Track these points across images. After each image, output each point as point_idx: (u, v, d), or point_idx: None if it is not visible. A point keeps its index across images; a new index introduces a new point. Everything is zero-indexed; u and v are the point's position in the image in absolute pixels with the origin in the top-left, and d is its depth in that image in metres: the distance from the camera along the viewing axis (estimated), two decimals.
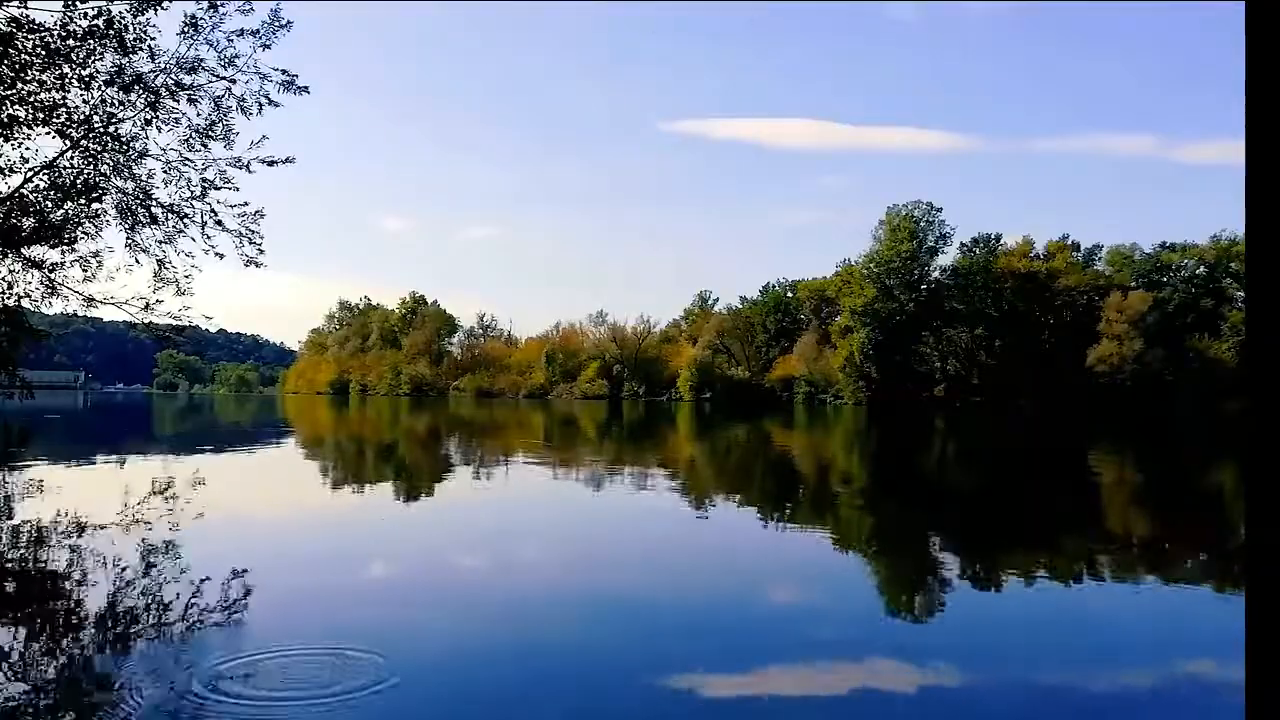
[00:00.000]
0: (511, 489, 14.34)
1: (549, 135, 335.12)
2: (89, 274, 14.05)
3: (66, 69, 12.32)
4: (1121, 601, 6.56)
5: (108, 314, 14.88)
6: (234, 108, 13.50)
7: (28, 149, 12.79)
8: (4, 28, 11.74)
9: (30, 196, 13.20)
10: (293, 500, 12.65)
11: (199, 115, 13.49)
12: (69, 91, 12.56)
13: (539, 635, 5.43)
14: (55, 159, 13.15)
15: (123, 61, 12.67)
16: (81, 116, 12.91)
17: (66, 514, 9.76)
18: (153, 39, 12.74)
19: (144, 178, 13.75)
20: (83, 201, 13.46)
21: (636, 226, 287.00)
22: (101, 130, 13.18)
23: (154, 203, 13.86)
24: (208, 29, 13.06)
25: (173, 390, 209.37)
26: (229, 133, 13.64)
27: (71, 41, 12.14)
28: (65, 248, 13.73)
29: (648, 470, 17.77)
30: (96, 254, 14.06)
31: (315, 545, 8.76)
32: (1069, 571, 7.72)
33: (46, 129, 12.69)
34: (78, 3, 11.97)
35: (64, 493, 12.33)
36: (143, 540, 8.20)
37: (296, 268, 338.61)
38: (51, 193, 13.26)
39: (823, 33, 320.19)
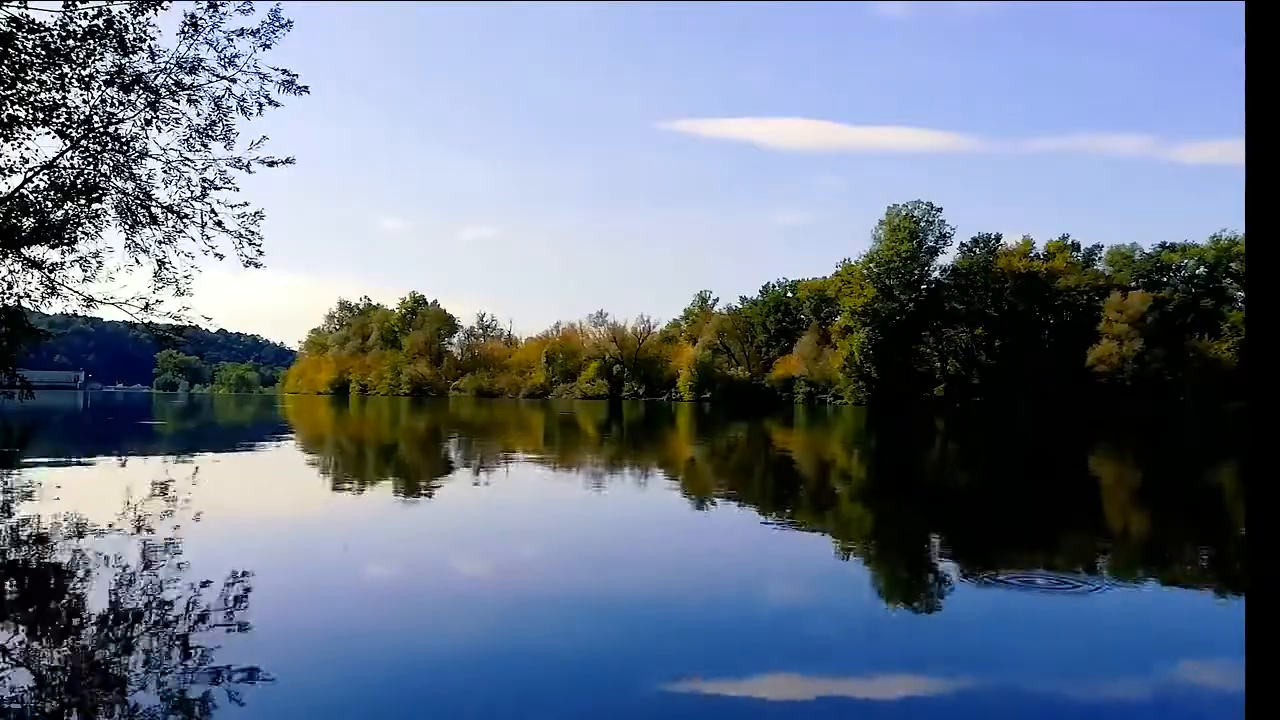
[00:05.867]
0: (511, 490, 14.33)
1: (549, 135, 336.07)
2: (89, 274, 14.09)
3: (66, 69, 12.33)
4: (1120, 602, 6.55)
5: (108, 314, 14.87)
6: (234, 108, 13.54)
7: (28, 149, 12.83)
8: (4, 28, 11.75)
9: (30, 196, 13.21)
10: (292, 501, 12.64)
11: (199, 115, 13.54)
12: (69, 91, 12.59)
13: (536, 636, 5.42)
14: (55, 159, 13.17)
15: (123, 61, 12.69)
16: (81, 116, 12.93)
17: (66, 514, 9.75)
18: (153, 39, 12.77)
19: (144, 178, 13.80)
20: (83, 201, 13.47)
21: (636, 226, 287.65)
22: (101, 130, 13.19)
23: (154, 203, 13.88)
24: (208, 29, 13.10)
25: (173, 390, 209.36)
26: (229, 133, 13.68)
27: (71, 41, 12.16)
28: (65, 248, 13.76)
29: (648, 471, 17.77)
30: (96, 254, 14.10)
31: (315, 545, 8.75)
32: (1068, 572, 7.71)
33: (46, 129, 12.72)
34: (78, 3, 11.99)
35: (64, 493, 12.31)
36: (143, 541, 8.20)
37: (296, 268, 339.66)
38: (51, 193, 13.28)
39: (821, 33, 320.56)
